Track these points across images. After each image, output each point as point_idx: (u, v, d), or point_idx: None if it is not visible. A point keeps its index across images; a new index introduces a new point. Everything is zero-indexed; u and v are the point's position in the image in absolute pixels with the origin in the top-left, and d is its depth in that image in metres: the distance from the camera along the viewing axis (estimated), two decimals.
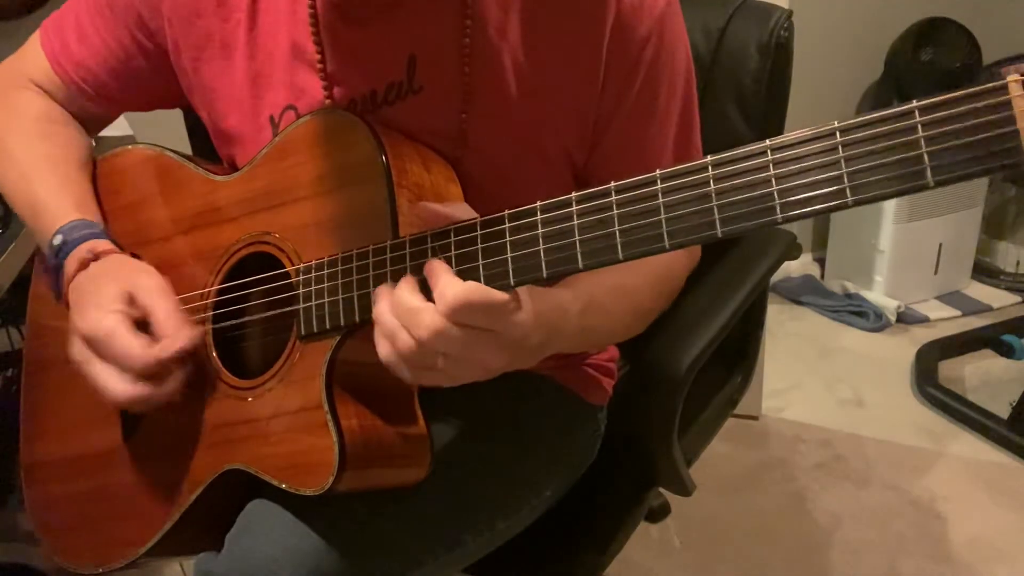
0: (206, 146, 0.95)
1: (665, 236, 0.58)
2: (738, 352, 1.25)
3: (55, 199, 0.88)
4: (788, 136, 0.54)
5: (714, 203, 0.56)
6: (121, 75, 0.93)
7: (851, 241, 2.68)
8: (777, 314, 2.59)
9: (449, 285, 0.63)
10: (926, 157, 0.49)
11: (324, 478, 0.72)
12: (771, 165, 0.54)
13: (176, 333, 0.77)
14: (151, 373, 0.76)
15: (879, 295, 2.60)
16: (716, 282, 1.04)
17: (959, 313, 2.60)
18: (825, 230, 2.77)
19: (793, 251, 1.18)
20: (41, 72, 0.95)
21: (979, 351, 2.39)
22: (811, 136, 0.53)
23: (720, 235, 0.56)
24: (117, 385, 0.77)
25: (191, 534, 0.84)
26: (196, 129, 1.09)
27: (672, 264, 0.88)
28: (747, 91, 1.13)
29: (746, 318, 1.12)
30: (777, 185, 0.54)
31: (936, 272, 2.65)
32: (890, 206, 2.52)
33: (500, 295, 0.63)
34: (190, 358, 0.80)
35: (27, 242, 1.09)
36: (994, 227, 2.76)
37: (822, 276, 2.78)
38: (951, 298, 2.67)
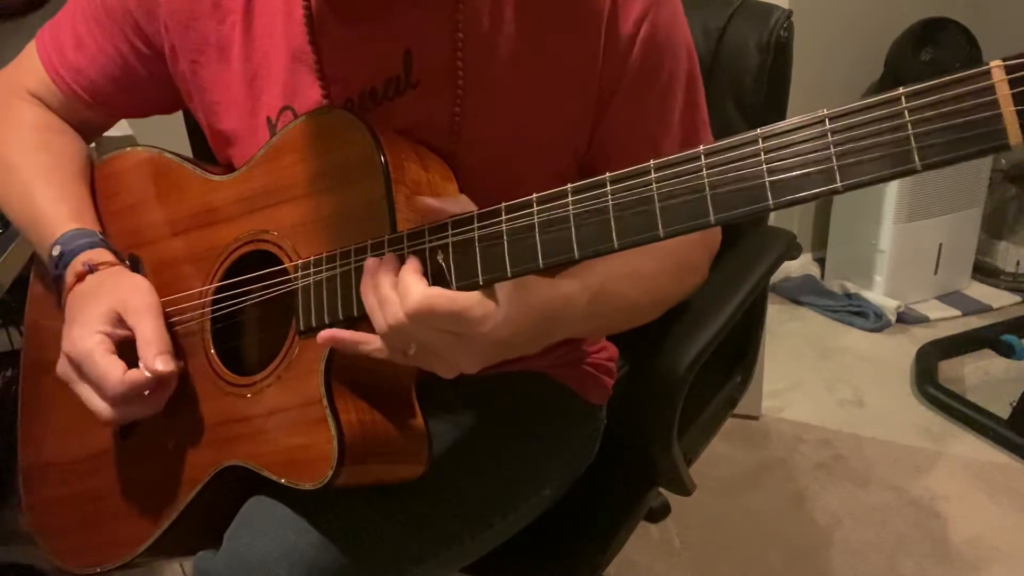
0: (206, 147, 0.95)
1: (659, 225, 0.59)
2: (738, 352, 1.25)
3: (53, 209, 0.89)
4: (778, 124, 0.55)
5: (707, 192, 0.57)
6: (118, 81, 0.93)
7: (851, 241, 2.68)
8: (777, 314, 2.59)
9: (411, 287, 0.65)
10: (913, 141, 0.50)
11: (323, 472, 0.72)
12: (762, 153, 0.55)
13: (152, 362, 0.78)
14: (125, 399, 0.77)
15: (879, 295, 2.60)
16: (716, 282, 1.04)
17: (959, 313, 2.60)
18: (825, 230, 2.77)
19: (793, 251, 1.18)
20: (38, 81, 0.95)
21: (979, 351, 2.39)
22: (800, 124, 0.54)
23: (713, 223, 0.57)
24: (98, 405, 0.78)
25: (190, 533, 0.84)
26: (197, 130, 1.09)
27: (687, 248, 0.87)
28: (747, 91, 1.13)
29: (746, 318, 1.12)
30: (768, 172, 0.55)
31: (936, 272, 2.65)
32: (890, 206, 2.52)
33: (464, 303, 0.65)
34: (174, 378, 0.81)
35: (27, 242, 1.09)
36: (994, 227, 2.76)
37: (822, 276, 2.78)
38: (951, 298, 2.67)
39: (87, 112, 0.96)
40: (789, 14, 1.11)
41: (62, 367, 0.81)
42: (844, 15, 2.58)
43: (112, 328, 0.79)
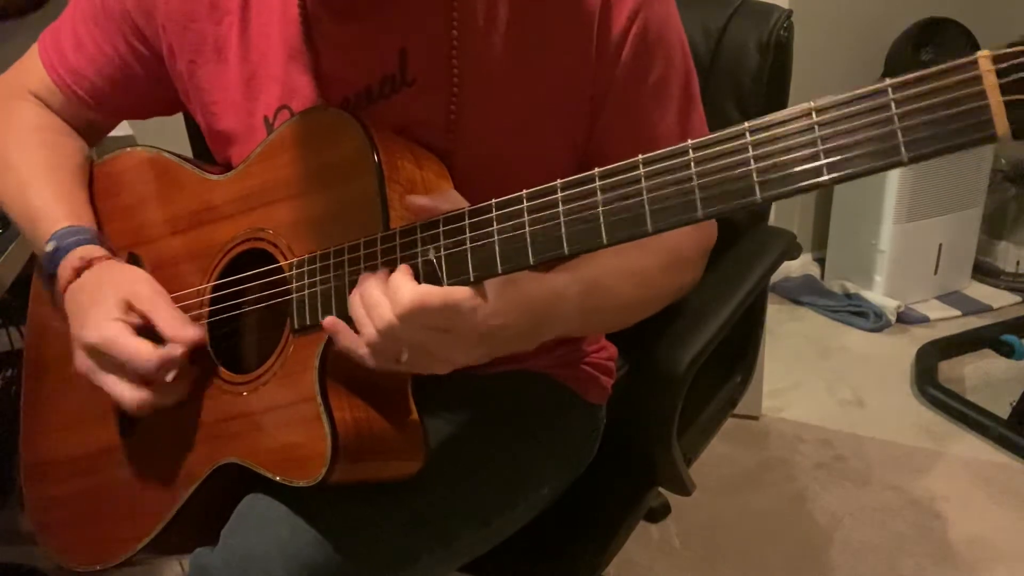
0: (207, 148, 0.95)
1: (648, 219, 0.59)
2: (738, 352, 1.25)
3: (50, 207, 0.89)
4: (766, 118, 0.55)
5: (695, 185, 0.57)
6: (118, 82, 0.94)
7: (851, 241, 2.67)
8: (777, 314, 2.58)
9: (401, 287, 0.66)
10: (900, 133, 0.50)
11: (317, 470, 0.72)
12: (749, 147, 0.55)
13: (181, 332, 0.79)
14: (160, 376, 0.78)
15: (879, 295, 2.60)
16: (716, 281, 1.04)
17: (959, 313, 2.60)
18: (825, 230, 2.77)
19: (793, 251, 1.18)
20: (39, 82, 0.96)
21: (979, 351, 2.38)
22: (788, 117, 0.54)
23: (701, 217, 0.57)
24: (127, 392, 0.78)
25: (188, 530, 0.84)
26: (197, 131, 1.10)
27: (680, 243, 0.87)
28: (747, 91, 1.13)
29: (746, 318, 1.12)
30: (756, 165, 0.55)
31: (936, 272, 2.65)
32: (890, 206, 2.52)
33: (457, 296, 0.65)
34: (195, 358, 0.81)
35: (27, 241, 1.09)
36: (994, 227, 2.76)
37: (822, 276, 2.78)
38: (951, 298, 2.67)
39: (88, 113, 0.96)
40: (789, 14, 1.11)
41: (81, 361, 0.81)
42: (844, 15, 2.59)
43: (126, 315, 0.80)
